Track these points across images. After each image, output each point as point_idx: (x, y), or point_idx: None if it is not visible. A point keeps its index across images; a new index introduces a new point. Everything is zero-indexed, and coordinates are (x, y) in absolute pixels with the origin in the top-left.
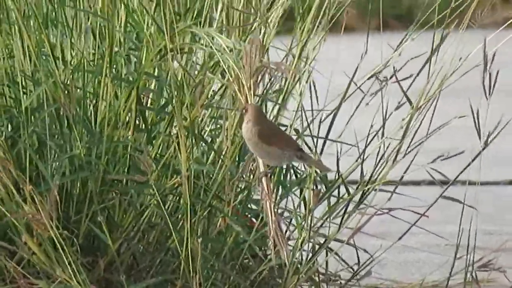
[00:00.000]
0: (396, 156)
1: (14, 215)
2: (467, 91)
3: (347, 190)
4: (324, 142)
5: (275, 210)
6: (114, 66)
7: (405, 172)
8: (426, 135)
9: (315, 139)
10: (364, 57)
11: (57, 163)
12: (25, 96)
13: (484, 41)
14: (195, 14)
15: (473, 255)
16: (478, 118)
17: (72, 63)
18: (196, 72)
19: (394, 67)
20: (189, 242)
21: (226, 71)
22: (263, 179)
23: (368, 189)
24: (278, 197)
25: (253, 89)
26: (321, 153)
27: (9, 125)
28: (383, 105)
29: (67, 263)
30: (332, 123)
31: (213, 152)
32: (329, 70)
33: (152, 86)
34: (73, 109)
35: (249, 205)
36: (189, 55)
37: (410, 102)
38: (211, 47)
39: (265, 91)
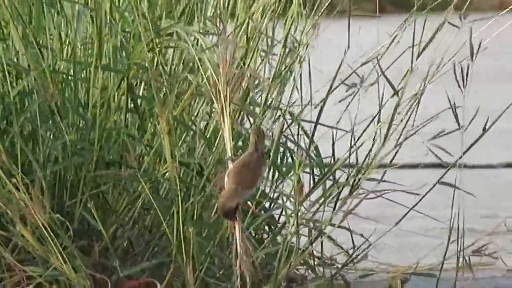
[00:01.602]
0: (385, 139)
1: (8, 207)
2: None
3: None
4: (315, 127)
5: (242, 233)
6: (105, 53)
7: (394, 155)
8: (425, 120)
9: (310, 125)
10: (359, 43)
11: (50, 150)
12: (15, 82)
13: (470, 31)
14: (181, 11)
15: (464, 239)
16: (453, 105)
17: (62, 51)
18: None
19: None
20: (180, 229)
21: (202, 73)
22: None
23: (364, 173)
24: (273, 181)
25: (230, 97)
26: (312, 137)
27: (2, 112)
28: (379, 91)
29: (59, 250)
30: (322, 107)
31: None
32: (324, 55)
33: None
34: (58, 99)
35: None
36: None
37: (395, 90)
38: (192, 46)
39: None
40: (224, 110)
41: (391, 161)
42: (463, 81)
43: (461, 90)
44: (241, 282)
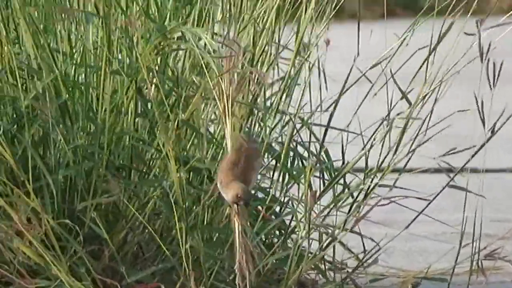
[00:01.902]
0: (398, 144)
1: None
2: (471, 79)
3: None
4: (326, 131)
5: (245, 234)
6: (114, 57)
7: (408, 161)
8: (429, 122)
9: (320, 128)
10: (369, 46)
11: (61, 154)
12: (27, 86)
13: (478, 30)
14: (187, 12)
15: (479, 243)
16: (482, 106)
17: (73, 55)
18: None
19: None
20: (187, 239)
21: (207, 74)
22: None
23: (379, 179)
24: (284, 185)
25: (233, 96)
26: (323, 141)
27: (12, 117)
28: (388, 93)
29: (66, 261)
30: (333, 111)
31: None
32: (332, 58)
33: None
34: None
35: (256, 193)
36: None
37: (403, 93)
38: (197, 47)
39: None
40: (227, 110)
41: (405, 166)
42: (489, 82)
43: (474, 91)
44: (243, 284)
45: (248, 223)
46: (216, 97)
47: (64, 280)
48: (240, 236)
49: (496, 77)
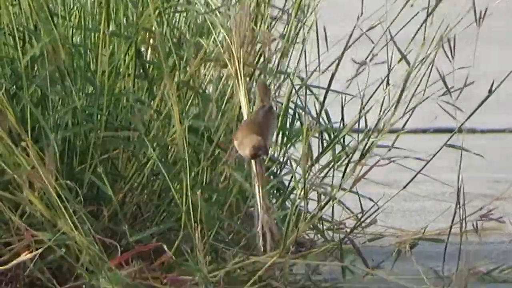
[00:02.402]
0: (397, 102)
1: (15, 171)
2: (469, 41)
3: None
4: (326, 92)
5: (265, 194)
6: (114, 19)
7: (406, 122)
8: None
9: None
10: (371, 6)
11: (59, 115)
12: (25, 47)
13: None
14: None
15: (476, 203)
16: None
17: (71, 17)
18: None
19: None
20: (189, 195)
21: (215, 36)
22: (253, 161)
23: (375, 138)
24: (282, 146)
25: (244, 59)
26: (323, 102)
27: (11, 77)
28: (388, 54)
29: (70, 214)
30: (334, 73)
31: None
32: (333, 18)
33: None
34: (69, 65)
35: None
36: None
37: (403, 55)
38: (201, 8)
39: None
40: (239, 73)
41: (403, 126)
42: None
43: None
44: (263, 242)
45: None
46: (227, 60)
47: (68, 232)
48: (261, 195)
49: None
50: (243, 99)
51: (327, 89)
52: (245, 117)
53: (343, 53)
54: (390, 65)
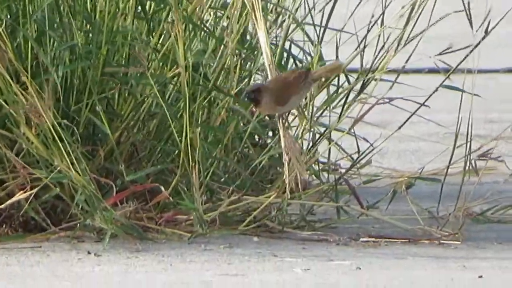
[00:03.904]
0: (398, 45)
1: (13, 107)
2: None
3: (347, 79)
4: (324, 31)
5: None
6: None
7: (407, 61)
8: (428, 23)
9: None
10: None
11: (57, 53)
12: None
13: None
14: None
15: (472, 143)
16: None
17: None
18: None
19: None
20: (188, 131)
21: None
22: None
23: (369, 78)
24: None
25: None
26: (321, 42)
27: (8, 14)
28: None
29: (67, 151)
30: (331, 11)
31: (214, 41)
32: None
33: None
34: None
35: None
36: None
37: None
38: None
39: None
40: (256, 6)
41: (403, 66)
42: None
43: None
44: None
45: None
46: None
47: (64, 171)
48: (285, 130)
49: None
50: (263, 35)
51: (325, 28)
52: (265, 57)
53: None
54: (385, 4)
